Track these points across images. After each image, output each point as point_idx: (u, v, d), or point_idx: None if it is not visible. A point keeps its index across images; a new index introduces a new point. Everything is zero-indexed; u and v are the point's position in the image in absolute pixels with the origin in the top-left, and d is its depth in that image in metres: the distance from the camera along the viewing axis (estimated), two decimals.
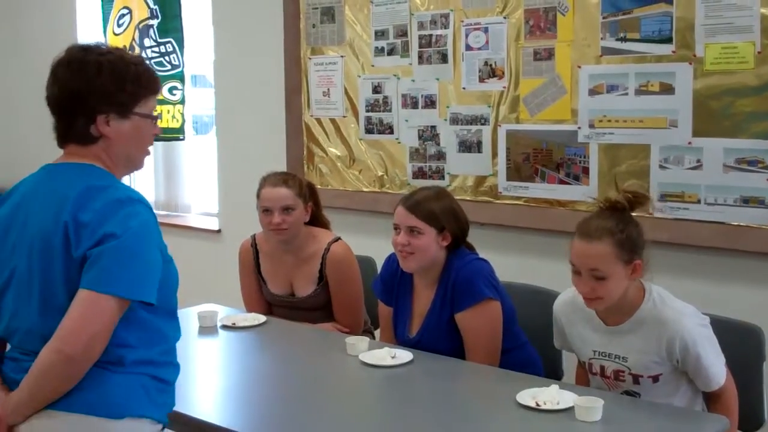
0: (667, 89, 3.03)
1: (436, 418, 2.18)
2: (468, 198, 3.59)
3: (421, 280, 2.71)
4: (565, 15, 3.26)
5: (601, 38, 3.17)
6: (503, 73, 3.46)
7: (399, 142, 3.83)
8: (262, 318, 3.01)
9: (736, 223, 2.94)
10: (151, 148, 1.93)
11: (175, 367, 1.89)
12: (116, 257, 1.68)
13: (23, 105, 5.81)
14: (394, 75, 3.81)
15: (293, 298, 3.12)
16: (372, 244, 3.31)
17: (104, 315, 1.67)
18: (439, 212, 2.62)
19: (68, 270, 1.70)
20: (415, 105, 3.75)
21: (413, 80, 3.74)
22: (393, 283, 2.78)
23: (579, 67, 3.24)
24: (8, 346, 1.87)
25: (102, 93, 1.79)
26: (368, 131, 3.94)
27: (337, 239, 3.09)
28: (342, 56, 3.99)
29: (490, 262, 2.71)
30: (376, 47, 3.85)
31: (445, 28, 3.61)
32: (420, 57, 3.71)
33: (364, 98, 3.92)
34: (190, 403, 2.22)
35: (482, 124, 3.54)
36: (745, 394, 2.37)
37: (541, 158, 3.37)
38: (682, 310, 2.26)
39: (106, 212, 1.70)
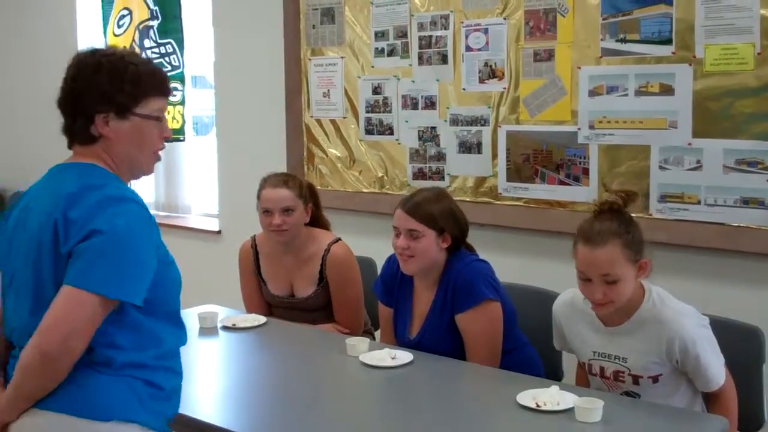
0: (667, 90, 3.03)
1: (437, 419, 2.18)
2: (468, 199, 3.59)
3: (422, 281, 2.71)
4: (565, 16, 3.27)
5: (601, 39, 3.17)
6: (503, 74, 3.46)
7: (399, 143, 3.83)
8: (262, 319, 3.01)
9: (736, 224, 2.94)
10: (162, 153, 1.91)
11: (174, 374, 1.85)
12: (98, 254, 1.67)
13: (24, 106, 5.81)
14: (394, 76, 3.81)
15: (293, 298, 3.12)
16: (372, 244, 3.31)
17: (83, 312, 1.65)
18: (439, 214, 2.62)
19: (57, 267, 1.69)
20: (415, 106, 3.75)
21: (413, 81, 3.74)
22: (393, 284, 2.78)
23: (579, 68, 3.24)
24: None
25: (99, 93, 1.78)
26: (368, 132, 3.94)
27: (337, 240, 3.09)
28: (342, 57, 4.00)
29: (490, 263, 2.71)
30: (376, 48, 3.86)
31: (445, 29, 3.61)
32: (420, 58, 3.71)
33: (364, 99, 3.93)
34: (190, 404, 2.21)
35: (482, 125, 3.54)
36: (745, 395, 2.37)
37: (541, 159, 3.37)
38: (682, 311, 2.26)
39: (95, 209, 1.69)
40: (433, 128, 3.70)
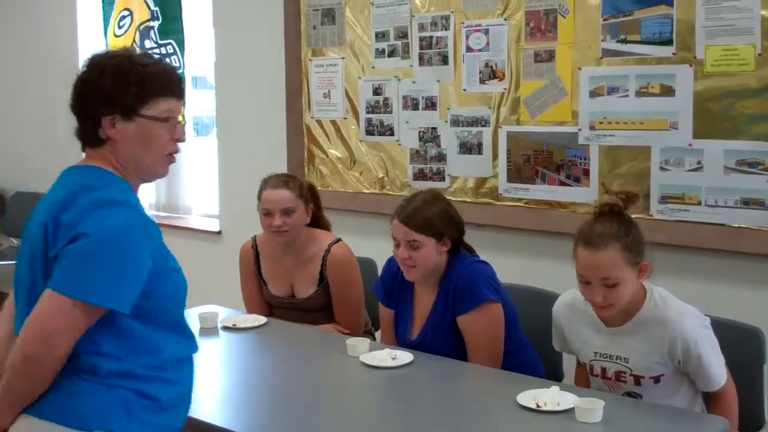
0: (668, 91, 3.03)
1: (437, 419, 2.18)
2: (468, 199, 3.59)
3: (422, 283, 2.70)
4: (566, 17, 3.27)
5: (602, 40, 3.17)
6: (504, 74, 3.46)
7: (399, 144, 3.83)
8: (262, 319, 3.01)
9: (736, 225, 2.94)
10: (178, 155, 1.86)
11: (173, 384, 1.78)
12: (80, 257, 1.63)
13: (24, 106, 5.81)
14: (395, 76, 3.81)
15: (293, 299, 3.12)
16: (373, 245, 3.31)
17: (61, 315, 1.61)
18: (436, 220, 2.60)
19: (47, 270, 1.68)
20: (415, 106, 3.75)
21: (414, 82, 3.75)
22: (393, 285, 2.78)
23: (579, 68, 3.24)
24: None
25: (103, 95, 1.76)
26: (369, 133, 3.94)
27: (338, 240, 3.09)
28: (342, 58, 4.00)
29: (490, 263, 2.71)
30: (377, 49, 3.86)
31: (446, 29, 3.61)
32: (420, 58, 3.71)
33: (365, 100, 3.93)
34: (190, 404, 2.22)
35: (483, 126, 3.54)
36: (746, 396, 2.37)
37: (542, 160, 3.37)
38: (684, 311, 2.26)
39: (84, 212, 1.66)
40: (434, 129, 3.70)
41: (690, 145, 3.01)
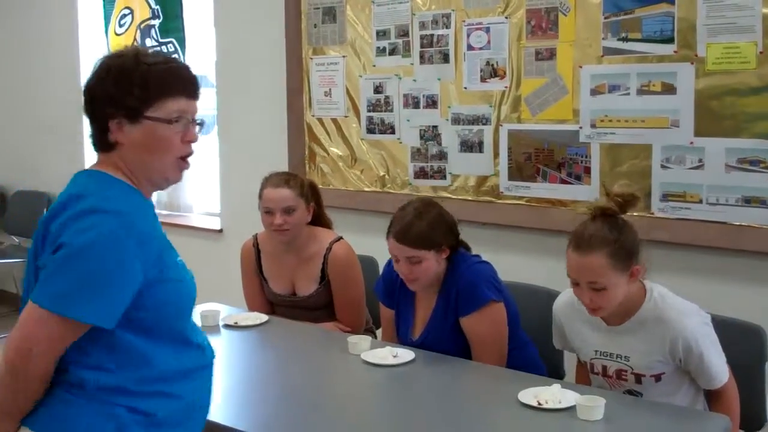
0: (669, 89, 3.03)
1: (438, 417, 2.18)
2: (469, 198, 3.60)
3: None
4: (567, 15, 3.26)
5: (603, 38, 3.17)
6: (505, 73, 3.46)
7: (400, 142, 3.83)
8: (264, 317, 3.01)
9: (737, 223, 2.94)
10: (191, 158, 1.77)
11: (172, 399, 1.69)
12: (57, 269, 1.57)
13: (25, 105, 5.81)
14: (396, 75, 3.81)
15: (295, 297, 3.12)
16: (374, 243, 3.31)
17: (39, 329, 1.56)
18: (431, 232, 2.56)
19: (37, 279, 1.63)
20: (416, 105, 3.75)
21: (415, 80, 3.74)
22: (394, 287, 2.77)
23: (580, 67, 3.24)
24: None
25: (107, 97, 1.69)
26: (370, 131, 3.94)
27: (339, 239, 3.09)
28: (343, 56, 4.00)
29: (491, 262, 2.71)
30: (378, 47, 3.86)
31: (447, 27, 3.61)
32: (421, 57, 3.71)
33: (366, 98, 3.93)
34: None
35: (484, 124, 3.54)
36: (747, 394, 2.37)
37: (543, 158, 3.37)
38: (684, 310, 2.26)
39: (68, 221, 1.59)
40: (435, 127, 3.70)
41: (691, 143, 3.01)
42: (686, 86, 2.99)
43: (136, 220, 1.64)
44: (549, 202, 3.38)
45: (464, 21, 3.55)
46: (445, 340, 2.62)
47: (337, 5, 3.99)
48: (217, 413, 2.26)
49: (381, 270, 2.96)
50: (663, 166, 3.08)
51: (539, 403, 2.15)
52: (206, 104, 5.01)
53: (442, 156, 3.69)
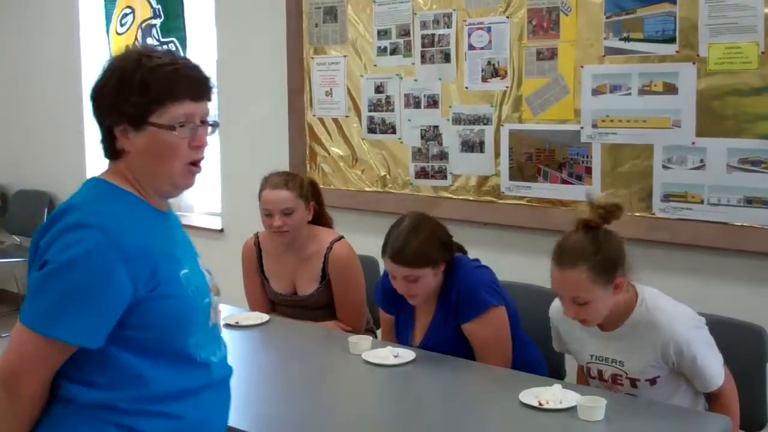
0: (671, 89, 3.03)
1: (439, 417, 2.18)
2: (470, 198, 3.59)
3: None
4: (568, 15, 3.26)
5: (605, 38, 3.16)
6: (506, 72, 3.46)
7: (401, 142, 3.83)
8: (265, 317, 3.01)
9: (739, 224, 2.94)
10: (203, 163, 1.69)
11: (168, 419, 1.61)
12: (39, 287, 1.51)
13: (26, 104, 5.81)
14: (397, 75, 3.81)
15: (296, 296, 3.12)
16: (374, 243, 3.29)
17: (24, 348, 1.51)
18: (426, 250, 2.54)
19: None
20: (417, 105, 3.75)
21: (416, 80, 3.74)
22: (393, 293, 2.74)
23: (582, 66, 3.24)
24: None
25: (108, 104, 1.61)
26: (371, 131, 3.94)
27: (340, 238, 3.09)
28: (345, 56, 3.99)
29: (492, 262, 2.71)
30: (379, 47, 3.85)
31: (448, 27, 3.61)
32: (423, 56, 3.71)
33: (367, 98, 3.92)
34: None
35: (485, 124, 3.54)
36: (748, 395, 2.37)
37: (544, 158, 3.37)
38: (674, 314, 2.23)
39: (54, 237, 1.53)
40: (436, 127, 3.70)
41: (693, 143, 3.01)
42: (688, 86, 2.99)
43: (123, 235, 1.53)
44: (550, 202, 3.38)
45: (465, 21, 3.55)
46: (446, 346, 2.61)
47: (338, 5, 3.98)
48: None
49: (381, 270, 2.95)
50: (664, 167, 3.07)
51: (540, 404, 2.15)
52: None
53: (443, 156, 3.69)
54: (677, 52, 3.00)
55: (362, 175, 3.99)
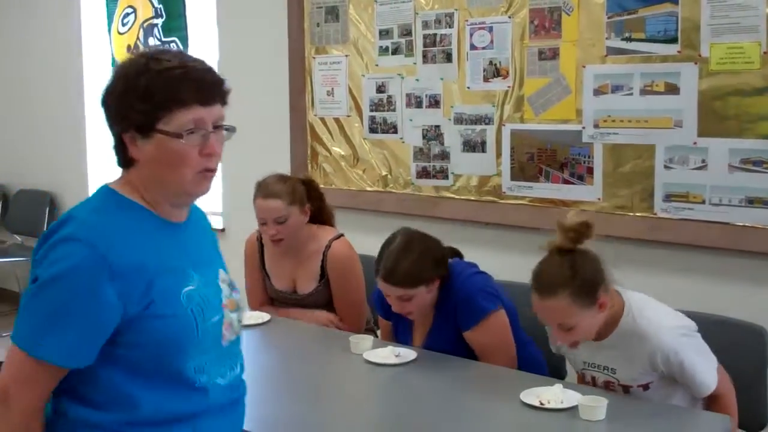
0: (673, 89, 3.03)
1: (440, 417, 2.17)
2: (472, 198, 3.59)
3: None
4: (570, 15, 3.26)
5: (606, 38, 3.16)
6: (508, 72, 3.46)
7: (403, 142, 3.83)
8: (266, 316, 3.01)
9: (741, 224, 2.94)
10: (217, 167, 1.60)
11: None
12: (25, 304, 1.46)
13: (27, 103, 5.81)
14: (399, 74, 3.81)
15: (296, 294, 3.12)
16: (376, 243, 3.28)
17: (13, 365, 1.46)
18: (418, 269, 2.52)
19: None
20: (419, 104, 3.75)
21: (417, 80, 3.74)
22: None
23: (584, 66, 3.23)
24: None
25: (115, 110, 1.53)
26: (372, 131, 3.94)
27: (339, 236, 3.08)
28: (346, 55, 3.99)
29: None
30: (381, 46, 3.85)
31: (450, 27, 3.61)
32: (424, 56, 3.70)
33: (368, 98, 3.92)
34: None
35: (486, 124, 3.54)
36: (749, 395, 2.37)
37: (546, 158, 3.37)
38: (660, 322, 2.20)
39: (47, 251, 1.47)
40: (437, 127, 3.70)
41: (694, 143, 3.00)
42: (690, 86, 2.98)
43: (112, 250, 1.45)
44: (551, 202, 3.37)
45: (467, 20, 3.55)
46: (446, 352, 2.60)
47: (339, 4, 3.98)
48: None
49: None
50: (666, 167, 3.07)
51: (541, 403, 2.15)
52: None
53: (444, 156, 3.69)
54: (679, 52, 3.00)
55: (363, 175, 3.99)
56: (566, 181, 3.32)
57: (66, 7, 5.42)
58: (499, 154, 3.50)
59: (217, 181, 1.50)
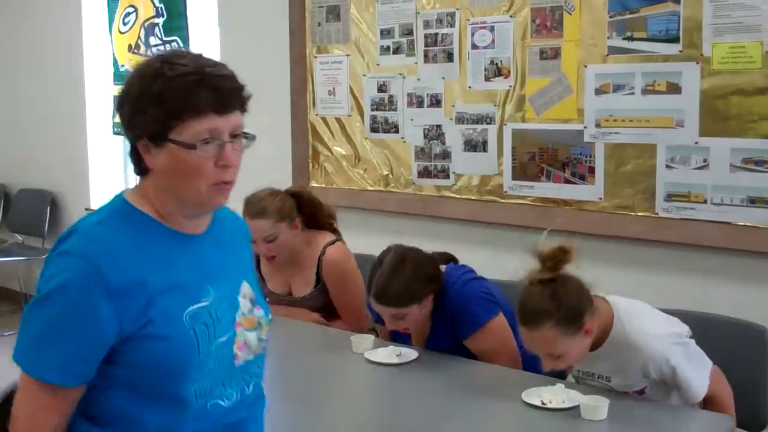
0: (674, 89, 3.02)
1: (442, 417, 2.17)
2: (473, 197, 3.59)
3: None
4: (572, 14, 3.26)
5: (608, 37, 3.16)
6: (509, 72, 3.45)
7: (404, 141, 3.83)
8: None
9: (742, 224, 2.93)
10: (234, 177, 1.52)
11: None
12: (23, 320, 1.42)
13: (29, 103, 5.81)
14: (400, 74, 3.80)
15: (291, 296, 3.11)
16: (377, 242, 3.29)
17: (20, 386, 1.43)
18: (410, 289, 2.50)
19: None
20: (420, 104, 3.75)
21: (419, 79, 3.74)
22: None
23: (585, 66, 3.23)
24: None
25: (127, 116, 1.46)
26: (373, 130, 3.94)
27: (334, 242, 3.05)
28: (347, 55, 3.99)
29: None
30: (382, 46, 3.85)
31: (451, 26, 3.61)
32: (425, 56, 3.70)
33: (370, 97, 3.92)
34: None
35: (488, 123, 3.54)
36: (750, 395, 2.36)
37: (547, 157, 3.37)
38: (649, 331, 2.19)
39: (47, 264, 1.44)
40: (439, 126, 3.70)
41: (696, 143, 3.00)
42: (691, 86, 2.98)
43: (111, 267, 1.39)
44: (553, 201, 3.37)
45: (469, 20, 3.55)
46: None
47: (341, 4, 3.98)
48: None
49: None
50: (668, 166, 3.07)
51: (543, 403, 2.15)
52: None
53: (445, 155, 3.68)
54: (681, 51, 3.00)
55: (365, 175, 3.99)
56: (567, 181, 3.32)
57: (67, 7, 5.42)
58: (500, 154, 3.50)
59: None
